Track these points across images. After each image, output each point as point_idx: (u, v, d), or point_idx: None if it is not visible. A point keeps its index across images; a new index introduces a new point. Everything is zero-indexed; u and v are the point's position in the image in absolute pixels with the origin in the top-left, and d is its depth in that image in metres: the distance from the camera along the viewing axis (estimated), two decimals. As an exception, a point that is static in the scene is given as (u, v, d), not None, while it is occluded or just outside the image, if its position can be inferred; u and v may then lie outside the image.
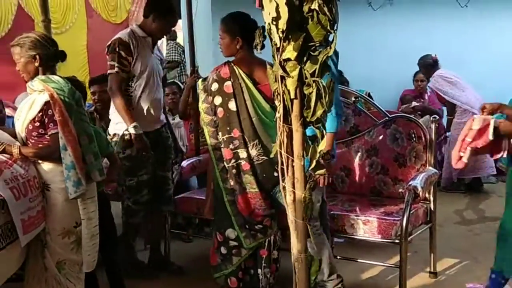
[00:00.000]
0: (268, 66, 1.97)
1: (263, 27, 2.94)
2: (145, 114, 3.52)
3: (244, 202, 3.00)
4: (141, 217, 3.62)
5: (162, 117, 3.75)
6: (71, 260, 2.57)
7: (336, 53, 2.84)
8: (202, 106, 3.07)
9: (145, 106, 3.52)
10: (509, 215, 2.71)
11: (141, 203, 3.56)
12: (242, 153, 2.95)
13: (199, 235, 4.36)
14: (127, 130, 3.39)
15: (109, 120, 3.71)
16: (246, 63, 2.99)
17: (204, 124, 3.07)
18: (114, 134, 3.51)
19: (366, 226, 3.19)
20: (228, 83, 2.95)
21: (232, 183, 3.00)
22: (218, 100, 2.98)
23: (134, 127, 3.36)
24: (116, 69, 3.39)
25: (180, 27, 10.38)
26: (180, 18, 9.80)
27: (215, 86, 2.99)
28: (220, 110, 2.97)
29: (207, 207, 3.32)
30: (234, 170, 2.98)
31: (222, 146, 3.00)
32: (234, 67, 2.97)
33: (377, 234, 3.16)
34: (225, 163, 3.01)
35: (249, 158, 2.95)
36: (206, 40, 6.23)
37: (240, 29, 2.99)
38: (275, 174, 2.89)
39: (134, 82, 3.48)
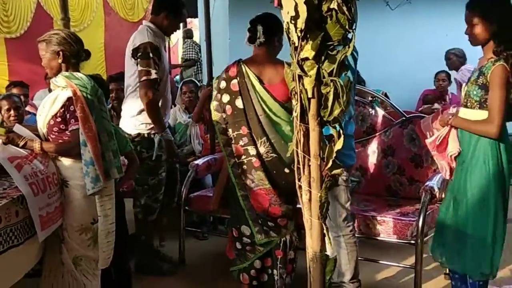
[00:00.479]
0: (285, 65, 1.96)
1: (256, 20, 3.00)
2: (165, 116, 3.61)
3: (258, 198, 3.01)
4: (157, 215, 3.68)
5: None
6: (87, 257, 2.59)
7: (357, 53, 2.83)
8: (212, 104, 3.10)
9: (163, 106, 3.57)
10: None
11: (159, 200, 3.64)
12: (252, 150, 2.96)
13: (214, 233, 4.38)
14: (154, 133, 3.46)
15: None
16: (257, 62, 3.00)
17: (214, 121, 3.10)
18: (138, 134, 3.51)
19: (382, 227, 3.17)
20: (235, 81, 2.97)
21: (244, 178, 3.01)
22: (226, 98, 3.00)
23: (167, 133, 3.47)
24: (154, 75, 3.34)
25: (197, 26, 10.43)
26: (196, 17, 9.88)
27: (223, 84, 3.02)
28: (228, 108, 3.00)
29: (214, 199, 3.39)
30: (245, 166, 3.00)
31: (233, 142, 3.01)
32: (242, 66, 2.98)
33: (392, 235, 3.15)
34: (236, 159, 3.02)
35: (259, 155, 2.95)
36: (223, 39, 6.24)
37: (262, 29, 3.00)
38: (286, 170, 2.92)
39: (159, 86, 3.48)
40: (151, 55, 3.35)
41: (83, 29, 8.17)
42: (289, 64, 1.94)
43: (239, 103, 2.96)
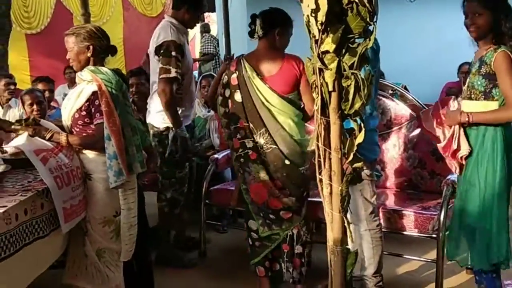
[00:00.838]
0: (306, 59, 1.96)
1: (256, 15, 3.02)
2: (189, 110, 3.67)
3: (257, 191, 3.06)
4: (180, 208, 3.76)
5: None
6: (110, 249, 2.63)
7: (378, 46, 2.81)
8: (218, 99, 3.16)
9: (188, 102, 3.64)
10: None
11: (184, 193, 3.73)
12: (249, 143, 3.02)
13: (233, 226, 4.41)
14: (172, 130, 3.50)
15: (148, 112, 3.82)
16: (257, 56, 3.06)
17: (220, 116, 3.18)
18: (167, 128, 3.56)
19: (403, 220, 3.16)
20: (234, 75, 3.04)
21: (242, 172, 3.08)
22: (227, 92, 3.08)
23: (182, 130, 3.50)
24: (174, 74, 3.37)
25: (214, 20, 10.44)
26: (214, 11, 9.88)
27: (225, 79, 3.10)
28: (230, 102, 3.07)
29: (234, 196, 3.42)
30: (242, 159, 3.05)
31: (233, 136, 3.08)
32: (241, 60, 3.05)
33: (414, 229, 3.13)
34: (235, 152, 3.10)
35: (256, 147, 3.00)
36: (241, 33, 6.24)
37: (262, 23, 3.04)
38: (286, 162, 2.96)
39: (184, 81, 3.54)
40: (173, 53, 3.38)
41: (102, 24, 8.22)
42: (309, 58, 1.93)
43: (238, 96, 3.02)
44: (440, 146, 2.78)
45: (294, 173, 2.99)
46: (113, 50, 2.70)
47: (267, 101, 2.97)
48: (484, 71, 2.52)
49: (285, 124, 2.96)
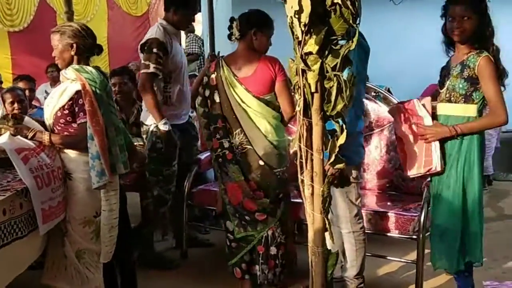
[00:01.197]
0: (289, 60, 1.96)
1: (233, 18, 3.04)
2: (180, 108, 3.65)
3: (233, 191, 3.08)
4: (168, 206, 3.74)
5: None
6: (90, 250, 2.60)
7: (368, 48, 2.83)
8: (197, 99, 3.19)
9: (179, 100, 3.64)
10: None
11: (171, 192, 3.70)
12: (225, 143, 3.04)
13: (216, 227, 4.39)
14: (157, 126, 3.48)
15: (131, 112, 4.01)
16: (235, 57, 3.08)
17: (199, 116, 3.19)
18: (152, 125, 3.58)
19: (384, 222, 3.18)
20: (213, 76, 3.07)
21: (220, 172, 3.11)
22: (207, 92, 3.11)
23: (164, 123, 3.46)
24: (152, 69, 3.41)
25: (199, 21, 10.41)
26: (200, 11, 9.85)
27: (205, 80, 3.13)
28: (209, 102, 3.09)
29: (219, 202, 3.40)
30: (220, 159, 3.08)
31: (212, 136, 3.10)
32: (220, 61, 3.09)
33: (394, 230, 3.16)
34: (214, 152, 3.12)
35: (232, 148, 3.03)
36: (226, 33, 6.23)
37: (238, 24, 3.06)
38: (260, 163, 2.99)
39: (172, 78, 3.57)
40: (154, 50, 3.42)
41: (86, 22, 8.13)
42: (292, 59, 1.94)
43: (216, 97, 3.05)
44: (411, 174, 2.81)
45: (269, 174, 3.00)
46: (98, 49, 2.68)
47: (243, 102, 2.99)
48: (467, 75, 2.54)
49: (261, 125, 2.97)
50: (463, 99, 2.57)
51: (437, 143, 2.65)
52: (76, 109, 2.51)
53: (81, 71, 2.53)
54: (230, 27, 3.08)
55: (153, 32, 3.51)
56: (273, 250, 3.10)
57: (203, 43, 8.95)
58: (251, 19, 3.05)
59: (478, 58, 2.50)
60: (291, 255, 3.25)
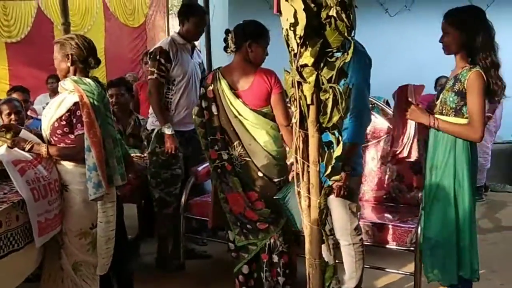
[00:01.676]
0: (285, 72, 1.97)
1: (229, 30, 3.06)
2: (183, 115, 3.78)
3: (234, 201, 3.08)
4: (172, 209, 3.84)
5: None
6: (86, 262, 2.59)
7: (370, 60, 2.84)
8: (194, 109, 3.21)
9: (183, 107, 3.78)
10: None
11: (173, 195, 3.82)
12: (224, 155, 3.06)
13: (213, 239, 4.37)
14: (161, 129, 3.69)
15: (128, 123, 4.13)
16: (231, 69, 3.08)
17: (196, 126, 3.20)
18: (152, 130, 3.79)
19: (381, 233, 3.17)
20: (210, 88, 3.08)
21: (220, 182, 3.11)
22: (204, 103, 3.12)
23: (168, 127, 3.66)
24: (155, 75, 3.69)
25: (197, 31, 10.44)
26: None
27: (202, 91, 3.16)
28: (206, 113, 3.10)
29: (210, 216, 3.36)
30: (219, 170, 3.09)
31: (210, 147, 3.11)
32: (217, 73, 3.09)
33: (392, 241, 3.15)
34: (212, 163, 3.13)
35: (231, 159, 3.04)
36: (222, 44, 6.26)
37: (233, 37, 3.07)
38: (259, 174, 2.99)
39: (174, 85, 3.76)
40: (157, 57, 3.69)
41: (83, 34, 8.17)
42: (288, 71, 1.94)
43: (214, 109, 3.06)
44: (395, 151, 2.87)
45: (269, 185, 3.00)
46: (95, 62, 2.68)
47: (240, 114, 3.00)
48: (457, 89, 2.57)
49: (259, 137, 2.97)
50: (454, 113, 2.60)
51: (412, 131, 2.69)
52: (74, 120, 2.51)
53: (79, 83, 2.54)
54: (225, 39, 3.08)
55: (162, 41, 3.85)
56: (275, 258, 3.08)
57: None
58: (246, 31, 3.05)
59: (469, 72, 2.53)
60: (293, 265, 3.22)
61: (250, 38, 3.01)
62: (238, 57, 3.07)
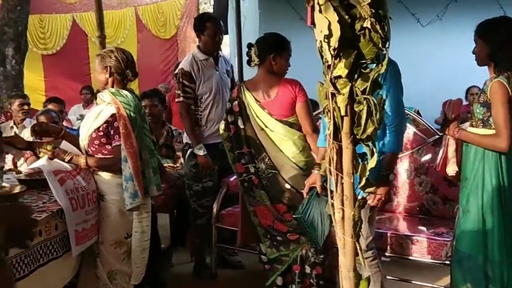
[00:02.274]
0: (318, 83, 1.97)
1: (251, 44, 3.08)
2: (215, 128, 3.77)
3: (262, 214, 3.09)
4: (205, 220, 3.88)
5: None
6: (121, 271, 2.63)
7: (397, 70, 2.83)
8: (221, 124, 3.25)
9: (214, 121, 3.80)
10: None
11: (205, 206, 3.86)
12: (251, 168, 3.08)
13: (244, 249, 4.37)
14: (193, 150, 3.73)
15: (161, 134, 4.24)
16: (255, 82, 3.12)
17: (223, 140, 3.23)
18: (187, 143, 3.87)
19: (416, 246, 3.12)
20: (236, 102, 3.13)
21: (248, 195, 3.14)
22: (230, 118, 3.16)
23: (199, 148, 3.70)
24: (181, 98, 3.76)
25: (227, 43, 10.55)
26: (226, 33, 10.01)
27: (228, 105, 3.21)
28: (232, 127, 3.14)
29: (238, 234, 3.39)
30: (246, 184, 3.11)
31: (236, 160, 3.14)
32: (242, 87, 3.14)
33: (426, 255, 3.10)
34: (239, 176, 3.16)
35: (257, 173, 3.06)
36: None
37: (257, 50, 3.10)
38: (287, 186, 2.99)
39: (202, 102, 3.79)
40: (180, 79, 3.75)
41: (117, 45, 8.35)
42: (321, 83, 1.95)
43: (240, 122, 3.10)
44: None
45: (296, 197, 2.99)
46: (133, 75, 2.75)
47: (266, 126, 3.02)
48: (483, 100, 2.58)
49: (286, 149, 2.98)
50: (482, 124, 2.59)
51: (451, 147, 2.74)
52: (111, 131, 2.57)
53: (116, 95, 2.60)
54: (248, 53, 3.11)
55: (183, 61, 3.86)
56: (307, 269, 3.07)
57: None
58: (269, 44, 3.08)
59: (491, 83, 2.54)
60: (330, 278, 3.16)
61: (273, 51, 3.05)
62: (262, 70, 3.10)
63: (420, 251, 3.12)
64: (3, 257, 1.32)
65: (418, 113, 5.04)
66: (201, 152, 3.69)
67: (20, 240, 1.32)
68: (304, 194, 2.90)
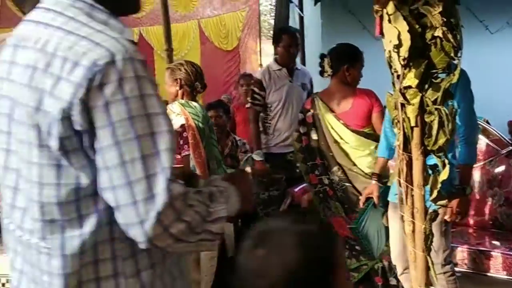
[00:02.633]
0: (387, 94, 1.95)
1: (324, 55, 3.05)
2: (283, 138, 3.83)
3: (338, 225, 3.04)
4: None
5: None
6: (192, 279, 2.68)
7: (467, 78, 2.75)
8: (293, 135, 3.28)
9: (282, 130, 3.84)
10: None
11: (270, 215, 3.83)
12: (325, 180, 3.08)
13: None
14: (251, 154, 3.81)
15: (226, 144, 4.18)
16: (329, 93, 3.12)
17: (295, 151, 3.25)
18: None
19: (490, 262, 3.00)
20: (309, 113, 3.13)
21: (322, 206, 3.12)
22: (303, 129, 3.16)
23: (257, 154, 3.73)
24: (249, 104, 3.88)
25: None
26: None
27: (301, 116, 3.21)
28: (304, 138, 3.15)
29: None
30: (321, 195, 3.11)
31: (309, 171, 3.14)
32: (315, 98, 3.13)
33: (502, 271, 2.97)
34: (313, 187, 3.16)
35: (332, 184, 3.04)
36: (316, 69, 6.28)
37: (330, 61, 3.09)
38: (361, 197, 2.93)
39: (271, 111, 3.85)
40: (251, 87, 3.93)
41: (181, 58, 8.57)
42: (390, 93, 1.92)
43: (313, 134, 3.10)
44: None
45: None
46: (201, 87, 2.84)
47: (341, 138, 3.01)
48: None
49: (362, 161, 2.95)
50: None
51: None
52: (181, 142, 2.64)
53: (185, 106, 2.68)
54: (321, 64, 3.11)
55: (260, 70, 4.08)
56: (392, 280, 3.00)
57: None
58: (343, 55, 3.08)
59: None
60: None
61: (347, 62, 3.04)
62: (335, 80, 3.09)
63: (494, 266, 2.99)
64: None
65: (487, 122, 4.85)
66: (258, 158, 3.72)
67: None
68: (361, 205, 2.87)
